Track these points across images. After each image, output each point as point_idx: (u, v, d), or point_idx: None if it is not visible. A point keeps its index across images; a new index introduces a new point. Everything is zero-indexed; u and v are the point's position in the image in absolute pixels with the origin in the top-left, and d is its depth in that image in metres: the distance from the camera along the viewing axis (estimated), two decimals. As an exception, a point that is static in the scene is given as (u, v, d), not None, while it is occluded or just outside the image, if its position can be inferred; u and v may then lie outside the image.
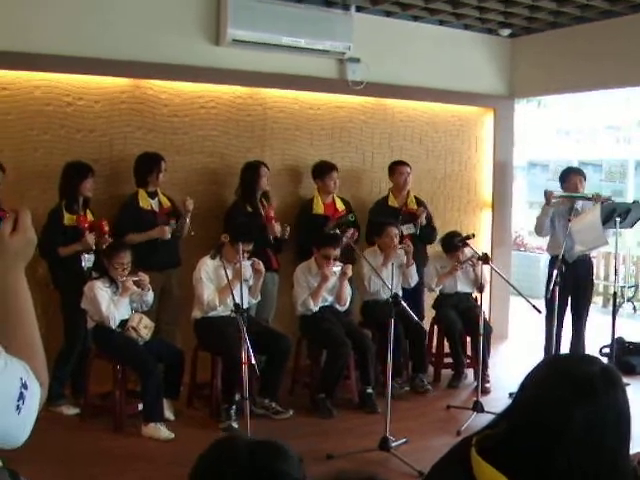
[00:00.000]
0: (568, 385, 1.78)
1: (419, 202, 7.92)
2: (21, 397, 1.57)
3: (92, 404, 6.25)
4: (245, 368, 5.10)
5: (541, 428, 1.75)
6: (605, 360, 7.48)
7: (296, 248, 7.35)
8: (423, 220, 7.74)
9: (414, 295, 7.62)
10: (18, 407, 1.56)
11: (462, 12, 7.95)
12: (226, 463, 1.63)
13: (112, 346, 5.96)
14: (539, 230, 7.77)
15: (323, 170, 7.48)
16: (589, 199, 7.36)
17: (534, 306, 6.04)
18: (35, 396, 1.64)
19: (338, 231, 6.49)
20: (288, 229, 7.06)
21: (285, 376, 6.72)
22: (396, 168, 7.87)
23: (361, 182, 8.23)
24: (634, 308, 11.72)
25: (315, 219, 7.29)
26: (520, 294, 6.15)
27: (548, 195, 7.47)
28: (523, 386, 1.93)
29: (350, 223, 6.92)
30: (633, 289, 11.92)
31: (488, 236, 9.25)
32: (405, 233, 7.57)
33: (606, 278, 11.89)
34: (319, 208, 7.43)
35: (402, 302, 5.44)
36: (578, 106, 16.08)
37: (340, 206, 7.51)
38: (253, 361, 5.02)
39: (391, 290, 5.54)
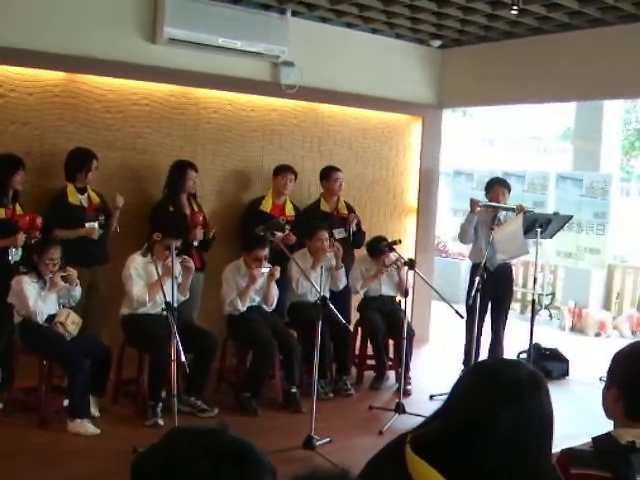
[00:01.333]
0: (496, 388, 1.91)
1: (349, 207, 8.07)
2: None
3: (16, 399, 6.20)
4: (174, 365, 5.15)
5: (470, 429, 1.87)
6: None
7: (241, 243, 7.33)
8: (354, 226, 7.88)
9: (341, 298, 7.76)
10: None
11: (395, 22, 8.12)
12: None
13: (39, 341, 5.94)
14: (462, 237, 7.99)
15: (280, 169, 7.66)
16: (512, 210, 7.59)
17: (457, 311, 6.23)
18: None
19: (268, 233, 6.58)
20: (213, 230, 7.11)
21: (211, 375, 6.79)
22: (330, 174, 7.98)
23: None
24: (550, 315, 12.07)
25: (259, 216, 7.30)
26: (443, 299, 6.32)
27: (473, 204, 7.68)
28: (455, 388, 2.05)
29: (280, 225, 7.03)
30: (550, 297, 12.28)
31: (412, 241, 9.44)
32: (337, 237, 7.70)
33: (525, 285, 12.20)
34: (267, 206, 7.53)
35: (330, 304, 5.54)
36: (502, 116, 16.48)
37: (290, 211, 7.64)
38: (183, 359, 5.07)
39: (319, 292, 5.64)
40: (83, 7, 6.89)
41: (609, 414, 2.75)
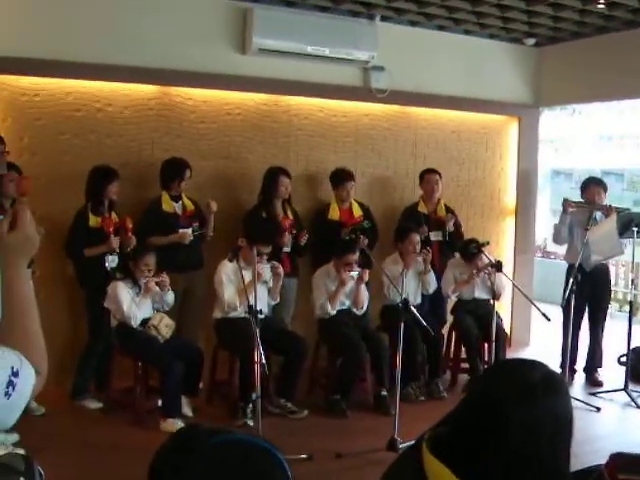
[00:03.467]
0: (509, 388, 1.88)
1: (448, 210, 8.07)
2: (10, 384, 1.71)
3: (114, 399, 6.50)
4: (257, 367, 5.28)
5: (481, 427, 1.86)
6: (623, 369, 7.58)
7: (312, 252, 7.50)
8: (451, 227, 7.88)
9: (436, 301, 7.78)
10: (7, 393, 1.69)
11: (486, 22, 8.07)
12: (185, 443, 1.57)
13: (133, 344, 6.19)
14: (556, 238, 7.88)
15: (339, 178, 7.63)
16: (599, 209, 7.46)
17: (543, 314, 6.14)
18: (28, 383, 1.77)
19: (353, 236, 6.63)
20: (306, 237, 7.22)
21: (303, 377, 6.92)
22: (425, 176, 8.04)
23: (384, 189, 8.38)
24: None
25: (330, 225, 7.43)
26: (530, 301, 6.25)
27: (566, 204, 7.57)
28: (472, 387, 2.07)
29: (364, 229, 7.08)
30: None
31: (511, 243, 9.34)
32: (433, 239, 7.72)
33: (636, 287, 11.81)
34: (334, 214, 7.57)
35: (412, 308, 5.57)
36: (617, 112, 16.01)
37: (357, 212, 7.64)
38: (263, 361, 5.19)
39: (401, 295, 5.68)
40: (173, 22, 7.14)
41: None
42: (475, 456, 1.84)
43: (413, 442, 2.08)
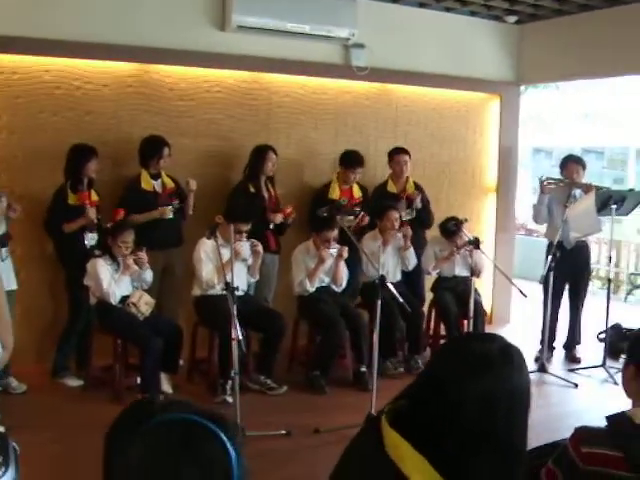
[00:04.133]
0: (467, 359, 1.91)
1: (417, 187, 8.05)
2: None
3: (94, 376, 6.51)
4: (234, 344, 5.31)
5: (438, 401, 1.88)
6: (601, 345, 7.65)
7: (310, 230, 7.47)
8: (418, 204, 7.82)
9: (414, 278, 7.80)
10: None
11: (468, -1, 8.08)
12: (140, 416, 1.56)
13: (113, 321, 6.21)
14: (536, 218, 7.92)
15: (349, 162, 7.63)
16: (578, 187, 7.50)
17: (520, 290, 6.20)
18: None
19: (330, 214, 6.66)
20: (292, 215, 7.24)
21: (283, 354, 6.97)
22: (394, 157, 7.96)
23: (365, 166, 8.35)
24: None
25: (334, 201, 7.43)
26: (507, 278, 6.30)
27: (542, 185, 7.61)
28: (431, 359, 2.10)
29: (341, 206, 7.11)
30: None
31: (492, 221, 9.39)
32: (404, 218, 7.74)
33: (617, 264, 11.95)
34: (334, 193, 7.57)
35: (389, 284, 5.60)
36: (600, 89, 16.04)
37: (357, 193, 7.68)
38: (240, 337, 5.23)
39: (378, 271, 5.70)
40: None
41: (627, 393, 2.74)
42: (432, 429, 1.86)
43: (373, 415, 2.11)
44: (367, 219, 7.50)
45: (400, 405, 2.01)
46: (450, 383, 1.89)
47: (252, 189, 7.19)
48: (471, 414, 1.84)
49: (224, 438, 1.41)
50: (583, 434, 2.64)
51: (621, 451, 2.53)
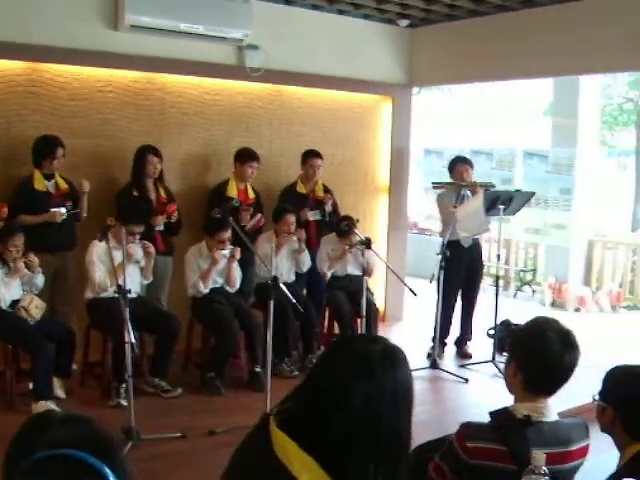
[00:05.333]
0: (349, 361, 1.98)
1: (326, 189, 8.17)
2: None
3: (-17, 383, 6.36)
4: (127, 347, 5.29)
5: (323, 401, 1.94)
6: (491, 341, 7.88)
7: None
8: (329, 207, 8.00)
9: (315, 278, 7.89)
10: None
11: (360, 2, 8.17)
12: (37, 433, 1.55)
13: (2, 326, 6.06)
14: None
15: (244, 157, 7.65)
16: (465, 186, 7.73)
17: (410, 289, 6.35)
18: None
19: (224, 215, 6.69)
20: (175, 215, 7.19)
21: (178, 356, 6.96)
22: (308, 160, 8.09)
23: (260, 167, 8.38)
24: (533, 291, 12.18)
25: (228, 202, 7.40)
26: (397, 276, 6.43)
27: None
28: (317, 362, 2.15)
29: (234, 207, 7.15)
30: (531, 273, 12.38)
31: (385, 220, 9.54)
32: (311, 219, 7.84)
33: (507, 262, 12.31)
34: (232, 192, 7.57)
35: (281, 285, 5.65)
36: (486, 92, 16.50)
37: (251, 194, 7.70)
38: (133, 340, 5.21)
39: (271, 273, 5.74)
40: (43, -4, 6.97)
41: (509, 388, 2.86)
42: (319, 429, 1.92)
43: (261, 418, 2.16)
44: (264, 221, 7.55)
45: (288, 407, 2.05)
46: (334, 383, 1.95)
47: (135, 192, 7.13)
48: (355, 413, 1.90)
49: (107, 473, 1.38)
50: (468, 429, 2.75)
51: (505, 445, 2.65)
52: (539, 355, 2.67)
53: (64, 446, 1.40)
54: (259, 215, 7.55)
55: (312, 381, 2.06)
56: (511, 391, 2.84)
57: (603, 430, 2.79)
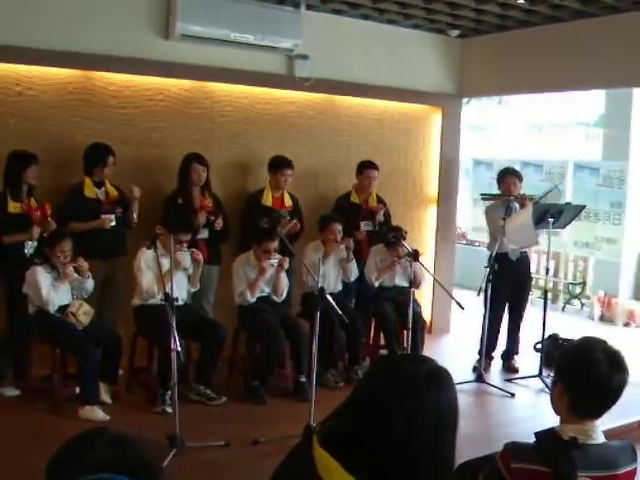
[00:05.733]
0: (394, 380, 1.94)
1: (379, 200, 8.18)
2: None
3: (33, 386, 6.45)
4: (173, 355, 5.32)
5: (366, 421, 1.90)
6: (537, 355, 7.79)
7: (241, 238, 7.52)
8: (381, 217, 8.01)
9: (364, 289, 7.87)
10: None
11: (410, 12, 8.15)
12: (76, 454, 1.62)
13: (51, 330, 6.16)
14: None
15: (277, 165, 7.65)
16: (514, 199, 7.66)
17: (457, 302, 6.29)
18: None
19: (271, 225, 6.71)
20: (220, 223, 7.22)
21: (223, 364, 6.98)
22: (364, 171, 8.10)
23: (309, 177, 8.41)
24: (581, 305, 12.02)
25: (263, 210, 7.39)
26: (445, 290, 6.39)
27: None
28: (361, 380, 2.13)
29: (282, 217, 7.17)
30: (580, 286, 12.22)
31: (433, 231, 9.50)
32: (363, 229, 7.84)
33: (556, 275, 12.17)
34: (268, 200, 7.60)
35: (327, 296, 5.64)
36: (542, 103, 16.33)
37: (288, 202, 7.71)
38: (179, 348, 5.23)
39: (317, 283, 5.74)
40: (96, 5, 7.06)
41: (555, 410, 2.81)
42: (362, 449, 1.88)
43: (304, 434, 2.14)
44: (299, 227, 7.58)
45: (331, 425, 2.03)
46: (378, 402, 1.92)
47: (180, 200, 7.18)
48: (398, 433, 1.87)
49: None
50: (512, 450, 2.70)
51: (549, 467, 2.60)
52: (587, 377, 2.62)
53: (106, 467, 1.41)
54: (294, 221, 7.54)
55: (356, 399, 2.03)
56: (557, 412, 2.78)
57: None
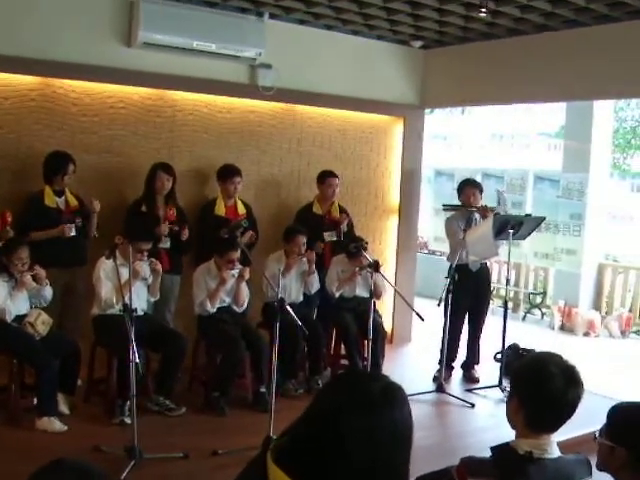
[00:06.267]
0: (348, 399, 1.92)
1: (342, 210, 8.17)
2: None
3: (-13, 397, 6.35)
4: (132, 366, 5.27)
5: (320, 438, 1.89)
6: (497, 365, 7.83)
7: (197, 248, 7.49)
8: (344, 227, 7.99)
9: (326, 298, 7.87)
10: None
11: (373, 23, 8.18)
12: None
13: (7, 340, 6.05)
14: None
15: (225, 174, 7.62)
16: (475, 210, 7.70)
17: (417, 313, 6.32)
18: None
19: (232, 235, 6.69)
20: (187, 233, 7.18)
21: (183, 375, 6.93)
22: (327, 180, 8.10)
23: (269, 186, 8.41)
24: (542, 314, 12.14)
25: (216, 220, 7.41)
26: (405, 300, 6.40)
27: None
28: (316, 396, 2.12)
29: (243, 227, 7.14)
30: (541, 296, 12.34)
31: (394, 241, 9.52)
32: (327, 240, 7.83)
33: (517, 285, 12.28)
34: (220, 210, 7.56)
35: (287, 307, 5.63)
36: (506, 113, 16.48)
37: (241, 209, 7.65)
38: (137, 360, 5.19)
39: (277, 294, 5.72)
40: (58, 12, 6.99)
41: (511, 424, 2.82)
42: (315, 466, 1.88)
43: (260, 450, 2.12)
44: (255, 238, 7.54)
45: (285, 441, 2.01)
46: (332, 421, 1.90)
47: (144, 208, 7.15)
48: (352, 450, 1.86)
49: None
50: (469, 464, 2.71)
51: (506, 482, 2.61)
52: (541, 392, 2.63)
53: None
54: (250, 233, 7.46)
55: (311, 415, 2.01)
56: (513, 426, 2.79)
57: (603, 469, 2.74)
